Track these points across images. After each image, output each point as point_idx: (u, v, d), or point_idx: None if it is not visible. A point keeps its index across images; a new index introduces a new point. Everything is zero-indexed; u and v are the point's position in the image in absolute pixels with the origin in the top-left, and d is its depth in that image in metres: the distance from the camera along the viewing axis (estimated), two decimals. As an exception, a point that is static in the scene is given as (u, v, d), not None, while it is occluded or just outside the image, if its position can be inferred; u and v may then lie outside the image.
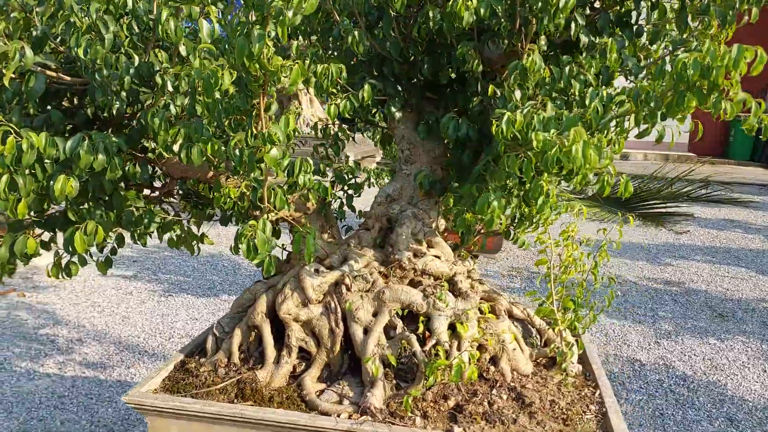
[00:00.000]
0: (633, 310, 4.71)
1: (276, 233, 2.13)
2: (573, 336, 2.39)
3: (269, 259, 1.84)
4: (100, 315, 4.43)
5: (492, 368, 2.19)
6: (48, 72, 1.82)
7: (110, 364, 3.68)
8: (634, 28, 2.06)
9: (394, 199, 2.43)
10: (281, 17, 1.52)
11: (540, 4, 1.81)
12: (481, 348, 2.19)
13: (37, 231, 2.03)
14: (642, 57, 2.23)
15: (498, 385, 2.12)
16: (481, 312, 2.18)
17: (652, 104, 1.73)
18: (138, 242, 2.16)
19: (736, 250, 6.58)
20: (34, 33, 1.81)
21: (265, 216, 1.87)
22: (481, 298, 2.31)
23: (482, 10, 1.86)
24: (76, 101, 2.09)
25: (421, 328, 2.08)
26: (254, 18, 1.56)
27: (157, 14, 1.72)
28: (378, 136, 2.95)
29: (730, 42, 1.72)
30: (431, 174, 2.39)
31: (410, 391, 1.97)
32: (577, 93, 1.94)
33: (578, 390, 2.17)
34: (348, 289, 2.20)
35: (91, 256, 2.12)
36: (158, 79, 1.77)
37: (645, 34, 2.09)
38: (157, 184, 2.31)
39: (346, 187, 2.66)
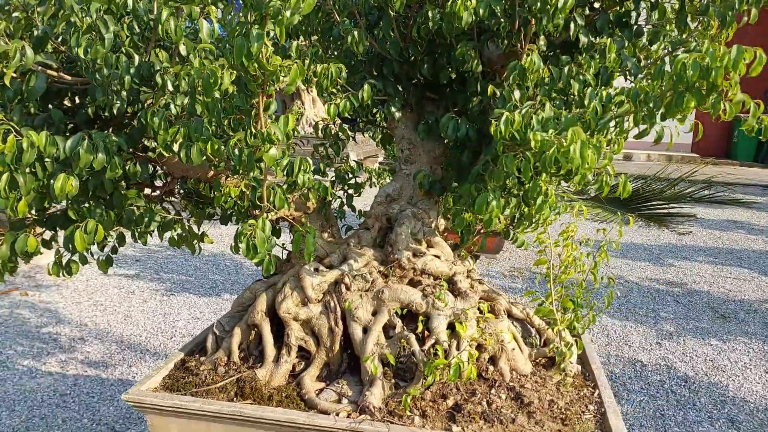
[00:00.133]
0: (635, 311, 4.70)
1: (276, 232, 2.14)
2: (572, 336, 2.39)
3: (269, 258, 1.85)
4: (102, 314, 4.45)
5: (491, 368, 2.19)
6: (49, 71, 1.83)
7: (112, 362, 3.70)
8: (634, 28, 2.06)
9: (393, 199, 2.43)
10: (279, 17, 1.53)
11: (539, 4, 1.81)
12: (480, 347, 2.19)
13: (38, 229, 2.04)
14: (642, 57, 2.23)
15: (497, 384, 2.12)
16: (481, 312, 2.18)
17: (651, 104, 1.74)
18: (138, 241, 2.17)
19: (739, 251, 6.57)
20: (35, 32, 1.82)
21: (265, 215, 1.88)
22: (480, 298, 2.31)
23: (481, 11, 1.86)
24: (77, 100, 2.10)
25: (420, 327, 2.09)
26: (253, 18, 1.57)
27: (157, 14, 1.73)
28: (379, 136, 2.95)
29: (730, 43, 1.72)
30: (431, 174, 2.40)
31: (409, 390, 1.98)
32: (576, 93, 1.94)
33: (577, 390, 2.17)
34: (347, 289, 2.21)
35: (92, 255, 2.13)
36: (158, 79, 1.78)
37: (645, 34, 2.09)
38: (159, 183, 2.32)
39: (346, 187, 2.67)
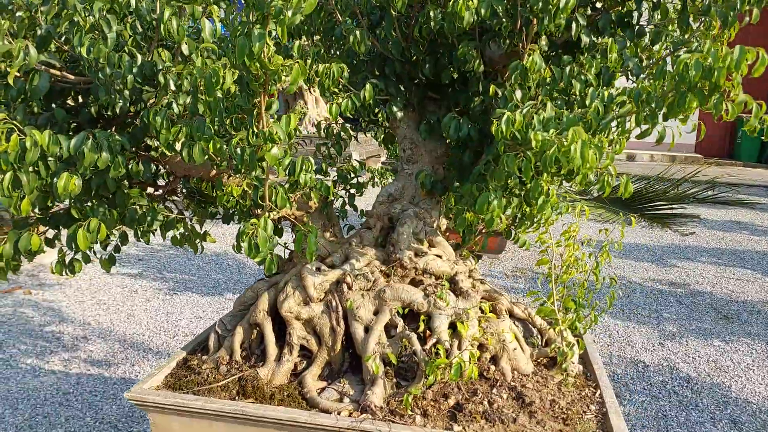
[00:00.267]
0: (637, 311, 4.69)
1: (278, 232, 2.14)
2: (574, 336, 2.39)
3: (271, 258, 1.86)
4: (105, 313, 4.46)
5: (492, 367, 2.19)
6: (52, 71, 1.84)
7: (115, 361, 3.71)
8: (636, 28, 2.06)
9: (395, 199, 2.43)
10: (281, 17, 1.53)
11: (541, 4, 1.81)
12: (481, 347, 2.19)
13: (42, 228, 2.05)
14: (644, 57, 2.22)
15: (498, 384, 2.13)
16: (482, 311, 2.18)
17: (653, 105, 1.73)
18: (141, 240, 2.18)
19: (742, 252, 6.55)
20: (39, 32, 1.83)
21: (267, 214, 1.88)
22: (482, 298, 2.31)
23: (483, 10, 1.86)
24: (80, 100, 2.11)
25: (422, 326, 2.09)
26: (255, 17, 1.57)
27: (160, 13, 1.74)
28: (381, 136, 2.96)
29: (732, 43, 1.72)
30: (433, 173, 2.40)
31: (410, 389, 1.98)
32: (578, 93, 1.94)
33: (579, 390, 2.17)
34: (349, 288, 2.21)
35: (95, 254, 2.14)
36: (161, 78, 1.78)
37: (647, 34, 2.09)
38: (161, 182, 2.32)
39: (348, 186, 2.67)
